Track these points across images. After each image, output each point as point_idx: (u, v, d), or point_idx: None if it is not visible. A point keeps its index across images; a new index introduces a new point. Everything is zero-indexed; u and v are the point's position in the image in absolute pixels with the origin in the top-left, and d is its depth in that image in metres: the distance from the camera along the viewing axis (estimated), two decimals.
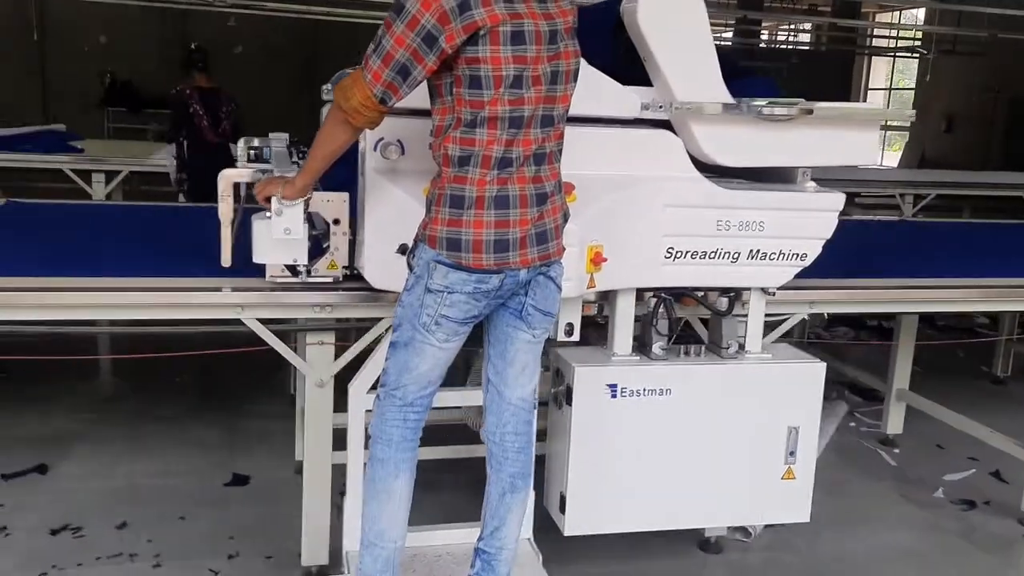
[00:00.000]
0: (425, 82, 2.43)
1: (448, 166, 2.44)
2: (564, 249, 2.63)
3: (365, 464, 2.70)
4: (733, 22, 17.87)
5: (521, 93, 2.39)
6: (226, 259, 3.01)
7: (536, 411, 2.79)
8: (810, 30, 18.65)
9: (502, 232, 2.43)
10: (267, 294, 3.03)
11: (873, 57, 18.57)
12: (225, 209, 2.98)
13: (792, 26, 18.56)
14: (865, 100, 18.20)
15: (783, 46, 18.79)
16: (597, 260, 2.97)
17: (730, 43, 18.89)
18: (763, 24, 17.85)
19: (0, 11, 12.74)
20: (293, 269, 3.01)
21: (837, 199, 3.24)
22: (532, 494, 3.00)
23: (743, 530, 3.78)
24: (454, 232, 2.42)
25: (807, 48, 18.74)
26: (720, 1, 16.36)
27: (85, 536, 3.53)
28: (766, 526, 3.82)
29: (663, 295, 3.21)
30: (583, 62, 3.04)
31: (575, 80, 2.56)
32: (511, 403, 2.68)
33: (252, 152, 3.16)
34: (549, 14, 2.43)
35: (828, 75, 17.00)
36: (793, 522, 3.42)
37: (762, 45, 18.31)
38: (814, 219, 3.22)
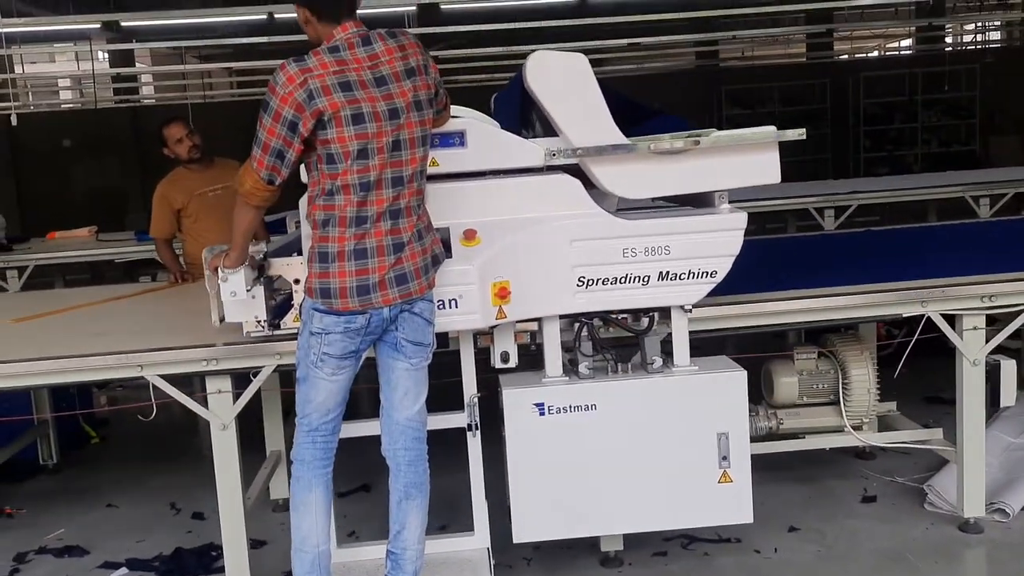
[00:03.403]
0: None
1: (316, 228, 2.97)
2: (429, 287, 3.07)
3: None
4: (914, 29, 17.35)
5: (367, 163, 2.89)
6: (214, 320, 3.65)
7: (425, 429, 3.21)
8: (1001, 26, 17.72)
9: (363, 279, 2.92)
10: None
11: None
12: (211, 280, 3.61)
13: (979, 25, 17.68)
14: None
15: (972, 47, 17.93)
16: (503, 294, 3.38)
17: (911, 51, 18.27)
18: (948, 27, 17.16)
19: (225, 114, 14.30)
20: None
21: (740, 218, 3.48)
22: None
23: (1001, 511, 4.02)
24: (324, 282, 2.94)
25: (999, 46, 17.80)
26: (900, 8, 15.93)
27: None
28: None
29: (584, 320, 3.56)
30: (494, 126, 3.50)
31: (423, 145, 3.01)
32: (399, 423, 3.14)
33: None
34: (389, 95, 2.91)
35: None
36: (737, 523, 3.62)
37: (948, 49, 17.58)
38: (719, 239, 3.48)
